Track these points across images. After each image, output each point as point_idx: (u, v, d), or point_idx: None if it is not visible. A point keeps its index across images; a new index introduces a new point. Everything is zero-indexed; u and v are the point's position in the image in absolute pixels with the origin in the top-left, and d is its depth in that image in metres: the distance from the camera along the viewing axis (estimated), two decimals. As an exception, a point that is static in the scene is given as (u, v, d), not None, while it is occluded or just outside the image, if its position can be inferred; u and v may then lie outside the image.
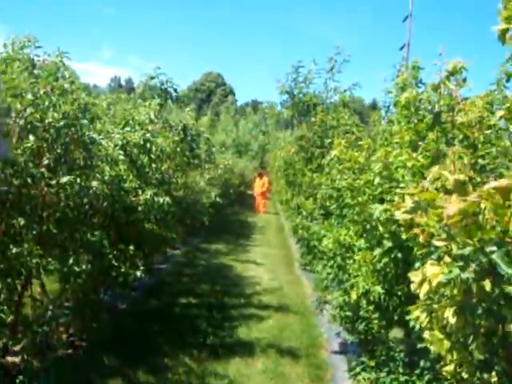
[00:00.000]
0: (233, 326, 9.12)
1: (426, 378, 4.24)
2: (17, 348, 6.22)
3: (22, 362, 5.89)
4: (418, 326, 3.88)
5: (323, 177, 7.31)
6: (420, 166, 3.75)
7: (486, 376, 2.20)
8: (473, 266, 1.97)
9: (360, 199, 4.37)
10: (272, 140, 40.82)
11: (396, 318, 4.53)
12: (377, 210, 3.85)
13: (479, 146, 3.34)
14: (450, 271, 2.03)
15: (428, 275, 2.01)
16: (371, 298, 4.47)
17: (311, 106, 9.91)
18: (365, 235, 4.56)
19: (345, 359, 7.97)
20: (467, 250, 2.00)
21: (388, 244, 4.06)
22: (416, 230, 2.12)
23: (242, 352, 7.96)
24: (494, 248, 2.06)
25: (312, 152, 9.91)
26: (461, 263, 2.01)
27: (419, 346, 4.18)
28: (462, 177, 2.07)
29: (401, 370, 4.71)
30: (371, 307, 4.88)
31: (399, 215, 2.13)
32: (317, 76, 10.24)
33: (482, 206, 1.96)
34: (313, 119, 9.61)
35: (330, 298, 7.48)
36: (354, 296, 4.61)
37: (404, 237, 2.39)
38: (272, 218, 27.47)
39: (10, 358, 6.17)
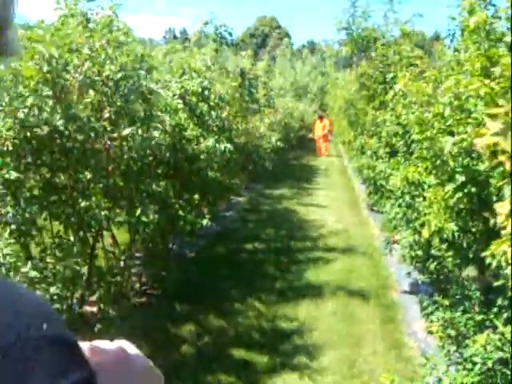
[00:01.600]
0: (300, 270, 9.16)
1: (505, 316, 4.09)
2: (93, 298, 6.46)
3: (98, 311, 6.10)
4: (494, 264, 3.74)
5: (387, 113, 7.05)
6: (494, 94, 3.50)
7: None
8: None
9: (429, 133, 4.17)
10: (331, 81, 39.96)
11: (471, 255, 4.37)
12: (448, 142, 3.65)
13: None
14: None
15: None
16: (444, 236, 4.32)
17: (371, 40, 9.51)
18: (435, 171, 4.37)
19: (415, 299, 7.87)
20: None
21: (461, 178, 3.86)
22: (501, 158, 1.94)
23: (311, 295, 7.99)
24: None
25: (374, 89, 9.57)
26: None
27: (496, 283, 4.04)
28: None
29: (476, 308, 4.57)
30: (444, 246, 4.73)
31: (480, 142, 1.96)
32: (376, 9, 9.80)
33: None
34: (373, 54, 9.24)
35: (399, 237, 7.34)
36: (425, 234, 4.45)
37: (482, 168, 2.21)
38: (335, 161, 27.19)
39: (88, 308, 6.42)
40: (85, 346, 0.65)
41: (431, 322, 5.77)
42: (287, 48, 57.72)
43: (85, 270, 5.63)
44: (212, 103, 7.62)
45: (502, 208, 1.95)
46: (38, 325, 0.52)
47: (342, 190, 18.06)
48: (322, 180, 20.28)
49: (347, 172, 22.20)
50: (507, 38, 3.57)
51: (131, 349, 0.76)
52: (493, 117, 1.89)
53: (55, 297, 4.45)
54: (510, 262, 2.13)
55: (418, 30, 10.73)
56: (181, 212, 6.99)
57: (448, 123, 3.98)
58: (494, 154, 1.93)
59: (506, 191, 1.90)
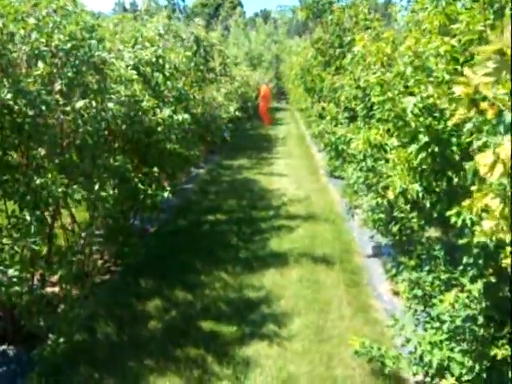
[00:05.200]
0: (264, 239, 9.15)
1: (470, 273, 4.13)
2: (54, 278, 6.30)
3: (61, 291, 5.95)
4: (459, 222, 3.76)
5: (345, 77, 6.99)
6: (455, 52, 3.47)
7: None
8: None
9: (390, 94, 4.13)
10: (285, 49, 39.81)
11: (435, 215, 4.38)
12: (410, 103, 3.61)
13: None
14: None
15: (505, 154, 1.79)
16: (409, 197, 4.32)
17: (326, 5, 9.40)
18: (397, 133, 4.34)
19: (379, 262, 7.98)
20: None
21: (424, 139, 3.83)
22: (483, 105, 1.88)
23: (276, 263, 8.00)
24: None
25: (330, 54, 9.50)
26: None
27: (461, 242, 4.07)
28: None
29: (442, 268, 4.62)
30: (407, 207, 4.74)
31: (459, 91, 1.89)
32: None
33: None
34: (330, 17, 9.13)
35: (361, 202, 7.37)
36: (391, 196, 4.44)
37: (447, 126, 2.16)
38: (292, 128, 27.17)
39: (49, 289, 6.26)
40: None
41: (396, 283, 5.83)
42: (240, 17, 57.02)
43: (44, 249, 5.47)
44: (167, 73, 7.42)
45: (484, 158, 1.87)
46: None
47: (301, 158, 18.07)
48: (281, 149, 20.24)
49: (305, 140, 22.22)
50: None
51: None
52: (482, 57, 1.78)
53: (14, 279, 4.29)
54: (498, 213, 2.07)
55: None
56: (140, 186, 6.84)
57: (409, 83, 3.94)
58: (473, 102, 1.87)
59: (492, 139, 1.84)
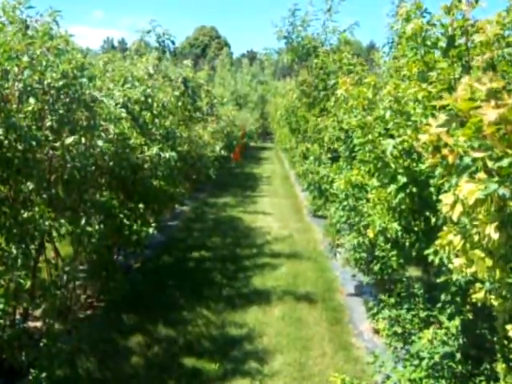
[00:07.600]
0: (247, 276, 9.20)
1: (448, 310, 4.24)
2: (37, 313, 6.28)
3: (43, 325, 5.94)
4: (437, 261, 3.89)
5: (329, 119, 7.19)
6: (431, 97, 3.65)
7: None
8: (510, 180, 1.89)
9: (371, 136, 4.29)
10: (271, 90, 40.43)
11: (414, 254, 4.51)
12: (389, 145, 3.77)
13: (498, 64, 3.21)
14: (487, 187, 1.96)
15: (462, 194, 1.92)
16: (388, 236, 4.45)
17: (311, 49, 9.69)
18: (377, 173, 4.50)
19: (361, 301, 8.05)
20: (505, 162, 1.90)
21: (403, 179, 4.00)
22: (444, 151, 2.02)
23: (259, 301, 8.04)
24: None
25: (315, 96, 9.74)
26: (497, 178, 1.93)
27: (438, 280, 4.19)
28: (495, 85, 1.95)
29: (421, 306, 4.72)
30: (388, 245, 4.86)
31: (424, 138, 2.03)
32: (314, 18, 9.99)
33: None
34: (315, 61, 9.39)
35: (343, 241, 7.49)
36: (370, 235, 4.57)
37: (423, 168, 2.31)
38: (277, 168, 27.43)
39: (31, 324, 6.23)
40: None
41: (377, 321, 5.91)
42: (227, 57, 57.84)
43: (28, 283, 5.47)
44: (155, 111, 7.57)
45: (446, 198, 2.02)
46: None
47: (286, 196, 18.24)
48: (266, 187, 20.41)
49: (289, 179, 22.44)
50: (442, 43, 3.71)
51: None
52: (444, 106, 1.94)
53: (-1, 311, 4.31)
54: (458, 249, 2.20)
55: (355, 40, 11.01)
56: (126, 221, 6.90)
57: (388, 126, 4.11)
58: (436, 148, 2.01)
59: (453, 182, 1.98)
